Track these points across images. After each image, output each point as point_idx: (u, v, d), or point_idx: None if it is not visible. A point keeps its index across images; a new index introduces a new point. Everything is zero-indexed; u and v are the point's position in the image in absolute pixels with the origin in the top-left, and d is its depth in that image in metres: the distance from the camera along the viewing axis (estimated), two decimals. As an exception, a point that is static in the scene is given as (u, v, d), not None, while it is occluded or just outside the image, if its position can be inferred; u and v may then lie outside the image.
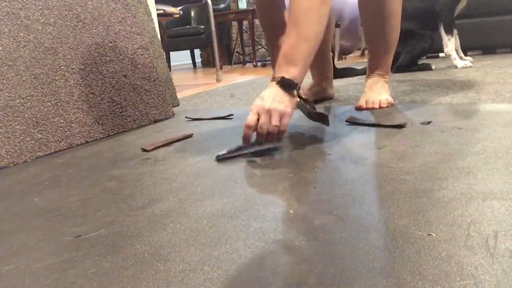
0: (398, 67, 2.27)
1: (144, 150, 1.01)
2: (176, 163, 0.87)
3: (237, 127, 1.19)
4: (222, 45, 5.22)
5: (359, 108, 1.28)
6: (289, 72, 0.89)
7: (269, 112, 0.86)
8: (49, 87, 1.13)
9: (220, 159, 0.86)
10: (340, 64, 3.27)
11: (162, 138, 1.12)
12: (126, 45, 1.36)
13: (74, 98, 1.19)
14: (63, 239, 0.55)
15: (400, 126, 0.98)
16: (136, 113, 1.34)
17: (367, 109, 1.27)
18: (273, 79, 0.92)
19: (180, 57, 6.64)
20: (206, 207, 0.61)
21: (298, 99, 0.94)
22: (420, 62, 2.35)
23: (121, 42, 1.35)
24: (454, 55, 2.23)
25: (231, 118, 1.32)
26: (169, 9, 2.93)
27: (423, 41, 2.24)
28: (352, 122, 1.08)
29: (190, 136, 1.12)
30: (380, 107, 1.26)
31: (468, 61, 2.27)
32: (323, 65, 1.52)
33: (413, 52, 2.26)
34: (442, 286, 0.37)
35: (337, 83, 2.08)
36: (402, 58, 2.27)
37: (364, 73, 2.35)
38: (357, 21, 3.84)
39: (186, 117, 1.28)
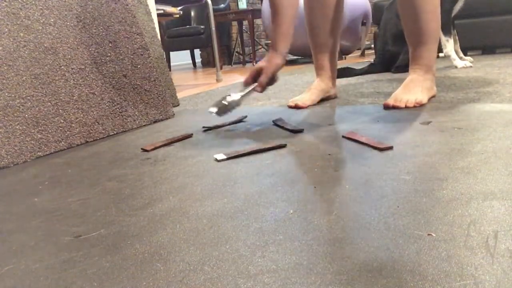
0: (397, 67, 2.27)
1: (144, 150, 1.01)
2: (176, 163, 0.87)
3: (237, 127, 1.19)
4: (222, 45, 5.22)
5: (385, 106, 1.26)
6: None
7: None
8: (49, 87, 1.13)
9: (220, 160, 0.86)
10: (340, 64, 3.27)
11: (162, 138, 1.12)
12: (126, 45, 1.36)
13: (74, 98, 1.19)
14: (63, 239, 0.55)
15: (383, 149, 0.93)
16: (136, 113, 1.34)
17: (393, 107, 1.24)
18: None
19: (180, 57, 6.63)
20: (206, 207, 0.61)
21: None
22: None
23: (121, 42, 1.35)
24: (453, 55, 2.23)
25: (245, 121, 1.28)
26: (169, 9, 2.93)
27: None
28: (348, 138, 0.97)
29: (190, 136, 1.12)
30: (406, 107, 1.23)
31: (468, 61, 2.27)
32: (331, 65, 1.51)
33: None
34: (442, 286, 0.37)
35: (336, 83, 2.08)
36: (401, 58, 2.27)
37: (362, 74, 2.36)
38: (357, 21, 3.85)
39: (203, 127, 1.20)
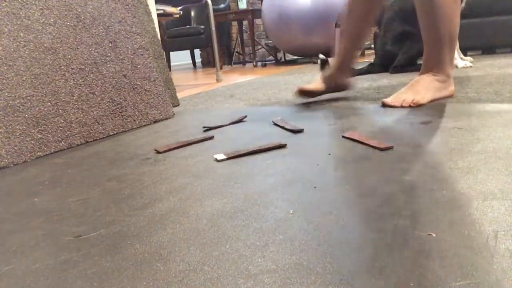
0: (395, 67, 2.28)
1: (157, 151, 0.98)
2: (176, 163, 0.87)
3: (237, 127, 1.19)
4: (222, 45, 5.22)
5: (382, 104, 1.28)
6: None
7: None
8: (49, 87, 1.13)
9: (220, 160, 0.86)
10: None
11: (161, 138, 1.12)
12: (126, 45, 1.36)
13: (74, 98, 1.19)
14: (63, 239, 0.55)
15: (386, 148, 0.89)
16: (136, 113, 1.34)
17: (389, 106, 1.26)
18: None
19: (180, 57, 6.64)
20: (206, 207, 0.61)
21: None
22: (420, 62, 2.35)
23: (121, 42, 1.35)
24: (455, 54, 2.23)
25: (245, 121, 1.28)
26: (169, 9, 2.93)
27: (419, 42, 2.24)
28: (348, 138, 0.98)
29: (210, 138, 1.07)
30: (402, 106, 1.24)
31: (468, 61, 2.27)
32: (352, 56, 1.52)
33: (409, 53, 2.26)
34: (442, 286, 0.37)
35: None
36: (398, 58, 2.28)
37: (362, 74, 2.36)
38: (357, 21, 3.84)
39: (204, 127, 1.21)
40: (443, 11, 1.22)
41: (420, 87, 1.28)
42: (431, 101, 1.29)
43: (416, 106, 1.24)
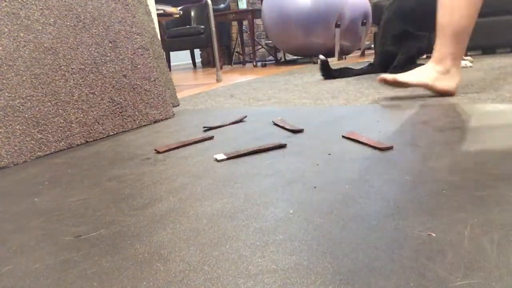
0: (394, 67, 2.27)
1: (157, 151, 0.98)
2: (176, 163, 0.87)
3: (237, 127, 1.19)
4: (222, 45, 5.22)
5: (379, 80, 1.38)
6: None
7: None
8: (49, 87, 1.13)
9: (220, 160, 0.86)
10: (339, 64, 3.27)
11: (162, 138, 1.12)
12: (126, 45, 1.36)
13: (74, 98, 1.19)
14: (63, 239, 0.55)
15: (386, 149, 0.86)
16: (136, 113, 1.34)
17: (380, 81, 1.37)
18: None
19: (180, 57, 6.64)
20: (206, 207, 0.61)
21: None
22: (420, 62, 2.35)
23: (121, 42, 1.35)
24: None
25: (245, 121, 1.27)
26: (169, 9, 2.93)
27: (419, 42, 2.24)
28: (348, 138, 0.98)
29: (210, 138, 1.07)
30: (384, 81, 1.36)
31: (468, 61, 2.27)
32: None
33: (409, 53, 2.26)
34: (442, 286, 0.37)
35: (336, 83, 2.09)
36: (398, 58, 2.27)
37: (362, 74, 2.36)
38: (357, 21, 3.85)
39: (204, 127, 1.21)
40: (445, 2, 1.27)
41: (415, 71, 1.35)
42: (418, 85, 1.35)
43: (395, 84, 1.35)
